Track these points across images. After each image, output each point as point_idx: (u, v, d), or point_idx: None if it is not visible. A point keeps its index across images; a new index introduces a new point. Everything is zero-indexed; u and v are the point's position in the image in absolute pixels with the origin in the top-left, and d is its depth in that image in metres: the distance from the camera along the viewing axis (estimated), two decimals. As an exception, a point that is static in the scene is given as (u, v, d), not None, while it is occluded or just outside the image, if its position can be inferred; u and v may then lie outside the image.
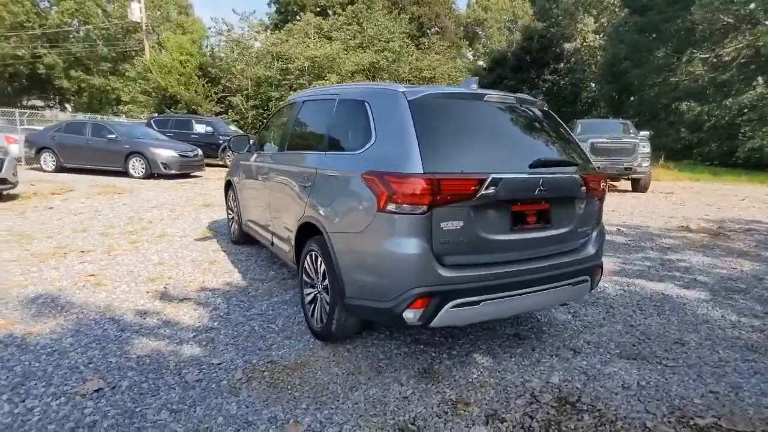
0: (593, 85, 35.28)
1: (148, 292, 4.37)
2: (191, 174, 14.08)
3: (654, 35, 26.94)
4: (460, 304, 2.72)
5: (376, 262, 2.78)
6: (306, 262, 3.49)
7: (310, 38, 24.95)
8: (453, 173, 2.68)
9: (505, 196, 2.80)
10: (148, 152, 12.68)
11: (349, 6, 26.32)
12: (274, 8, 34.10)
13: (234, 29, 25.10)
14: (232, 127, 18.04)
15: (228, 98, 23.87)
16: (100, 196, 9.82)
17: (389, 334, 3.55)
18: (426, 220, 2.62)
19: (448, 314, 2.70)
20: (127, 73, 25.80)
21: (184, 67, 23.47)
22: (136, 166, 12.74)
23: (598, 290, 4.60)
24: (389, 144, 2.87)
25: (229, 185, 6.04)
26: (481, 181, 2.69)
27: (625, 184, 13.61)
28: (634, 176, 12.37)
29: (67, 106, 44.15)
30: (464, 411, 2.63)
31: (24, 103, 42.16)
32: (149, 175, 12.70)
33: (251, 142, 5.35)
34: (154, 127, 16.73)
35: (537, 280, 3.00)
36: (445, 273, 2.68)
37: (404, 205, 2.61)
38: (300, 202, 3.55)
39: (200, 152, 14.05)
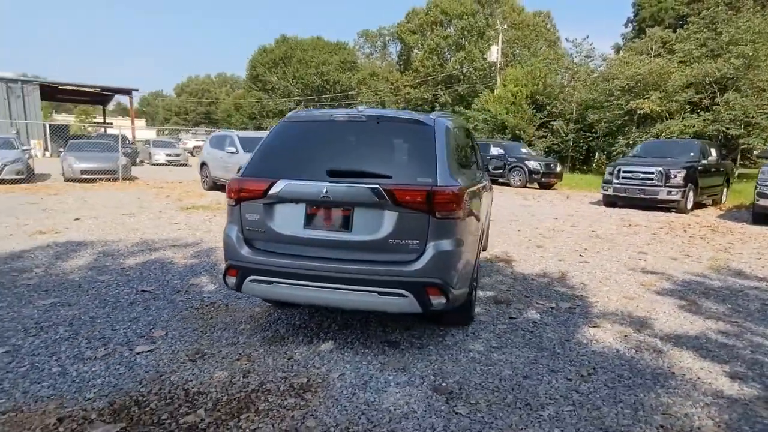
0: None
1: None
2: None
3: None
4: (255, 279, 3.31)
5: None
6: None
7: (648, 54, 22.68)
8: (252, 177, 3.41)
9: (291, 198, 3.28)
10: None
11: (705, 11, 22.34)
12: (629, 28, 31.94)
13: (574, 55, 25.46)
14: (525, 150, 18.79)
15: (550, 123, 24.46)
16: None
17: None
18: (237, 210, 3.46)
19: (248, 286, 3.39)
20: (472, 106, 29.81)
21: (515, 97, 25.48)
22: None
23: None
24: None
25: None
26: (270, 185, 3.29)
27: None
28: None
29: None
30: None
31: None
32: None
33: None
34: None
35: (331, 278, 3.15)
36: (245, 253, 3.39)
37: (229, 199, 3.55)
38: None
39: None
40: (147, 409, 2.67)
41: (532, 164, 17.08)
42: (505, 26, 38.61)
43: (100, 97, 37.95)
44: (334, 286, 3.16)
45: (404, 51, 57.83)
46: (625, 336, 3.78)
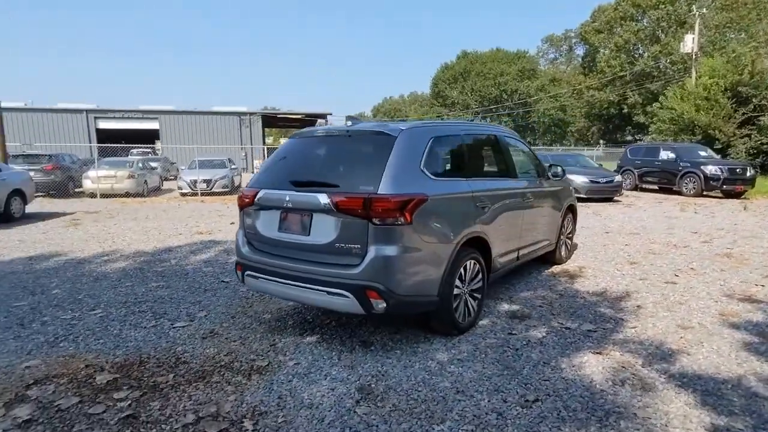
0: None
1: None
2: (612, 198, 13.96)
3: None
4: (249, 274, 3.82)
5: None
6: None
7: None
8: (249, 188, 3.87)
9: (268, 205, 3.68)
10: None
11: None
12: None
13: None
14: (704, 153, 15.64)
15: (758, 119, 19.91)
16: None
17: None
18: (241, 215, 4.00)
19: (247, 280, 3.89)
20: (655, 104, 25.83)
21: (708, 91, 21.43)
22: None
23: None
24: None
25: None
26: (255, 194, 3.76)
27: None
28: None
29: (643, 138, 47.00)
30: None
31: (618, 139, 48.43)
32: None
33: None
34: (628, 155, 17.30)
35: (296, 276, 3.47)
36: (244, 251, 3.91)
37: (238, 206, 4.06)
38: None
39: (618, 178, 13.83)
40: (142, 367, 3.36)
41: (710, 169, 14.22)
42: (706, 10, 32.54)
43: (308, 121, 44.33)
44: (297, 283, 3.47)
45: (589, 52, 53.34)
46: (623, 367, 3.19)
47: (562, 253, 5.98)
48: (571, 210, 6.19)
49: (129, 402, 2.87)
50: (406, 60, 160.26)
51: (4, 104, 17.04)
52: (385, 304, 3.20)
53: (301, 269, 3.45)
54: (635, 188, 16.82)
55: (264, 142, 39.41)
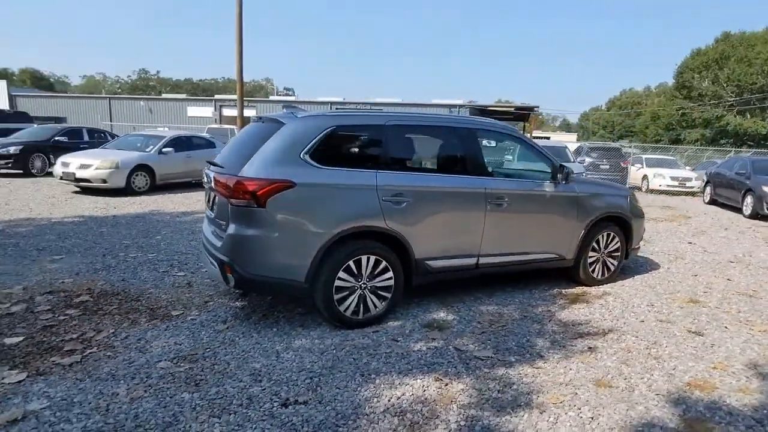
0: None
1: None
2: None
3: None
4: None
5: None
6: None
7: None
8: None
9: (206, 185, 3.99)
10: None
11: None
12: None
13: None
14: None
15: None
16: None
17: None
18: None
19: (202, 256, 4.29)
20: None
21: None
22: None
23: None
24: None
25: None
26: (206, 175, 3.99)
27: None
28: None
29: None
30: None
31: None
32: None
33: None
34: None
35: (207, 249, 3.81)
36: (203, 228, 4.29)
37: None
38: None
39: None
40: (112, 300, 4.28)
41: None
42: None
43: (520, 115, 42.90)
44: (209, 257, 3.81)
45: None
46: (450, 402, 2.66)
47: (589, 273, 4.85)
48: (620, 224, 4.94)
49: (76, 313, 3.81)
50: (654, 47, 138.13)
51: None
52: (234, 280, 3.41)
53: (210, 242, 3.81)
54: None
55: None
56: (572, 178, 4.59)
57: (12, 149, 13.37)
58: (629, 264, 5.86)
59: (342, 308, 3.59)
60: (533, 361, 3.20)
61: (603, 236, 4.83)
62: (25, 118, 19.88)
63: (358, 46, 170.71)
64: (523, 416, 2.54)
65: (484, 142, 5.01)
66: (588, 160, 15.32)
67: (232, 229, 3.42)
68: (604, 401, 2.71)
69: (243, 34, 15.85)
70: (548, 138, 43.58)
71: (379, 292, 3.72)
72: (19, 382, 2.76)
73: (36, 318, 3.71)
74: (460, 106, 37.25)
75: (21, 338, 3.36)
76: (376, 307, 3.72)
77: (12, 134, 14.86)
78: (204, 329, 3.61)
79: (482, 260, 4.17)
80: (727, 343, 3.60)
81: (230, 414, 2.51)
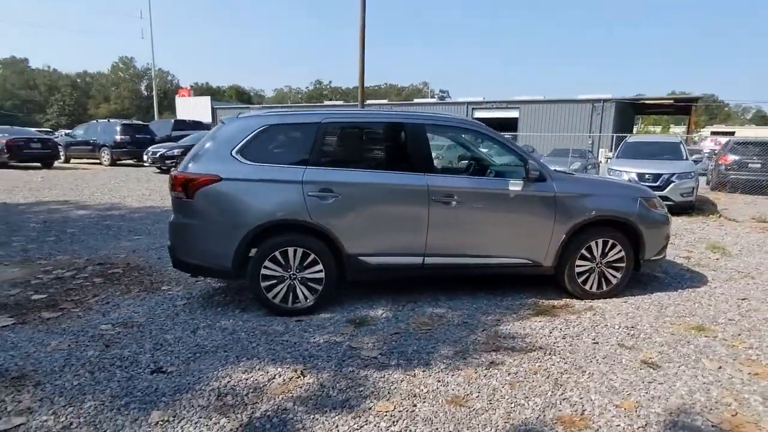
0: None
1: None
2: None
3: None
4: None
5: None
6: None
7: None
8: None
9: None
10: None
11: None
12: None
13: None
14: None
15: None
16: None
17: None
18: None
19: None
20: None
21: None
22: None
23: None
24: None
25: None
26: None
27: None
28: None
29: None
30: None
31: None
32: None
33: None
34: None
35: None
36: None
37: None
38: None
39: None
40: (134, 273, 5.15)
41: None
42: None
43: (682, 107, 37.04)
44: None
45: None
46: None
47: (578, 284, 4.15)
48: (624, 230, 4.13)
49: (99, 281, 4.71)
50: None
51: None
52: (172, 263, 3.85)
53: None
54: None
55: (619, 130, 35.56)
56: (549, 176, 4.00)
57: (176, 151, 16.36)
58: (666, 277, 4.83)
59: (270, 295, 3.78)
60: (412, 368, 2.97)
61: (598, 243, 4.10)
62: (201, 126, 24.01)
63: (524, 46, 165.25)
64: (331, 417, 2.44)
65: (465, 137, 4.65)
66: (732, 157, 12.60)
67: (172, 218, 3.88)
68: (437, 419, 2.43)
69: (365, 43, 16.57)
70: (733, 133, 36.89)
71: (309, 284, 3.81)
72: (4, 326, 3.59)
73: (70, 282, 4.67)
74: (605, 100, 33.48)
75: (44, 296, 4.29)
76: (306, 298, 3.82)
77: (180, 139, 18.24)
78: (165, 302, 4.14)
79: (429, 260, 3.93)
80: (680, 381, 2.81)
81: (102, 371, 2.92)
